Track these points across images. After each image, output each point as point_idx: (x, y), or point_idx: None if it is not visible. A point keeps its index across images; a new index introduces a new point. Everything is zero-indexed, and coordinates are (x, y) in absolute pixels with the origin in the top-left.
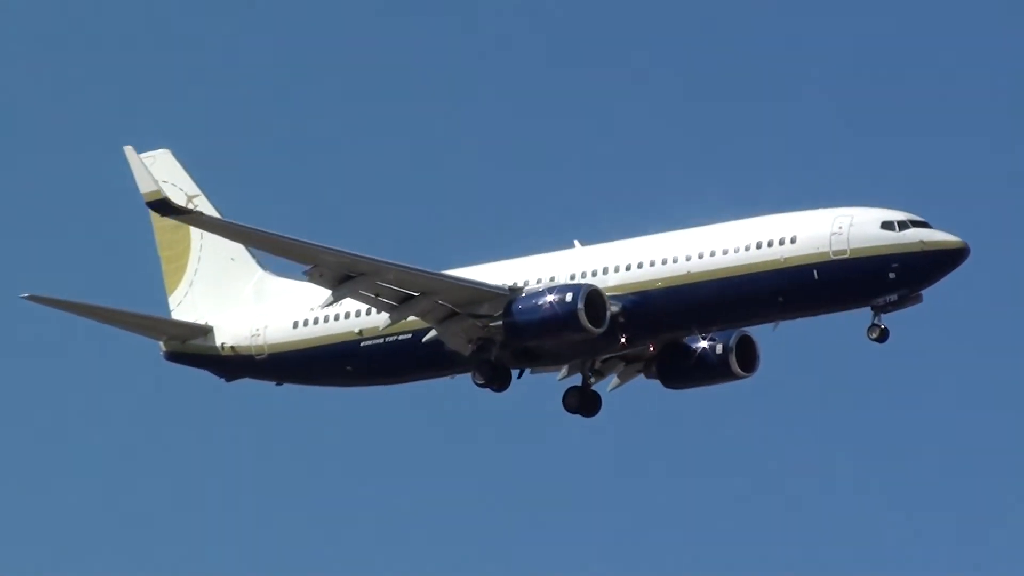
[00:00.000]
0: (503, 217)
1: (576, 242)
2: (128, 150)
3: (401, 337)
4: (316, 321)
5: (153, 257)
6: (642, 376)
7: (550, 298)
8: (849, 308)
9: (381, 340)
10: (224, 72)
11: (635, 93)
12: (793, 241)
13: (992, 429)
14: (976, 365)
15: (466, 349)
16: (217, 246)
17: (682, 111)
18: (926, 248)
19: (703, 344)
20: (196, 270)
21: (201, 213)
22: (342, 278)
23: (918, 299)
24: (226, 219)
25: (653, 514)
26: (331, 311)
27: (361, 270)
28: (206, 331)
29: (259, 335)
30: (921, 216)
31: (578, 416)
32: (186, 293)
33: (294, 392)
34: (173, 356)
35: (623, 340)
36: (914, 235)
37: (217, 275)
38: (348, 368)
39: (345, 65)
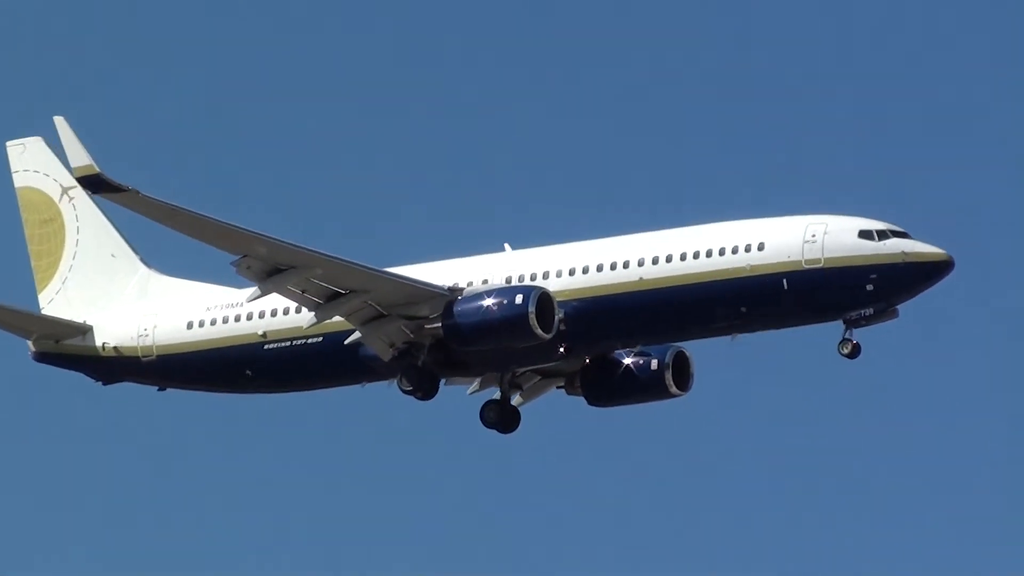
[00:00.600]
0: (429, 217)
1: (507, 245)
2: (59, 121)
3: (311, 340)
4: (213, 322)
5: (21, 251)
6: (563, 392)
7: (497, 300)
8: (819, 321)
9: (287, 343)
10: (107, 60)
11: (583, 90)
12: (761, 248)
13: (965, 455)
14: (952, 385)
15: (387, 354)
16: (96, 240)
17: (636, 109)
18: (908, 260)
19: (635, 359)
20: (71, 266)
21: (138, 192)
22: (271, 271)
23: (894, 314)
24: (165, 200)
25: (577, 535)
26: (231, 312)
27: (299, 263)
28: (84, 330)
29: (148, 335)
30: (900, 226)
31: (494, 432)
32: (59, 290)
33: (179, 397)
34: (43, 356)
35: (562, 350)
36: (895, 245)
37: (95, 272)
38: (248, 373)
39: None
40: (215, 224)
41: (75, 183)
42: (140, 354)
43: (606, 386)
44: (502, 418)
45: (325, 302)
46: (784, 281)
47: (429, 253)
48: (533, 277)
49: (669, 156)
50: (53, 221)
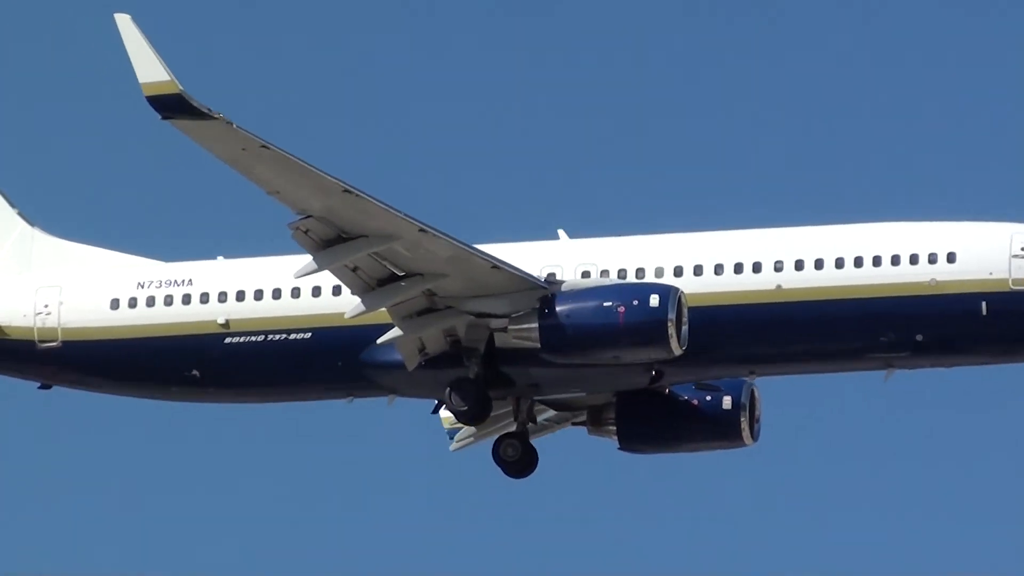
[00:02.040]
0: (452, 190)
1: (561, 232)
2: (122, 20)
3: (294, 336)
4: (151, 302)
5: None
6: (582, 430)
7: (622, 299)
8: (1018, 360)
9: (260, 337)
10: None
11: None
12: (951, 259)
13: None
14: None
15: (414, 361)
16: None
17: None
18: None
19: (698, 394)
20: None
21: (231, 122)
22: (334, 239)
23: None
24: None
25: None
26: (178, 291)
27: (376, 229)
28: None
29: (50, 313)
30: None
31: (503, 473)
32: None
33: (74, 399)
34: None
35: (654, 373)
36: None
37: None
38: (194, 373)
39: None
40: (309, 170)
41: None
42: (37, 337)
43: (654, 426)
44: (522, 457)
45: (377, 286)
46: (983, 304)
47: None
48: (622, 275)
49: (811, 130)
50: None
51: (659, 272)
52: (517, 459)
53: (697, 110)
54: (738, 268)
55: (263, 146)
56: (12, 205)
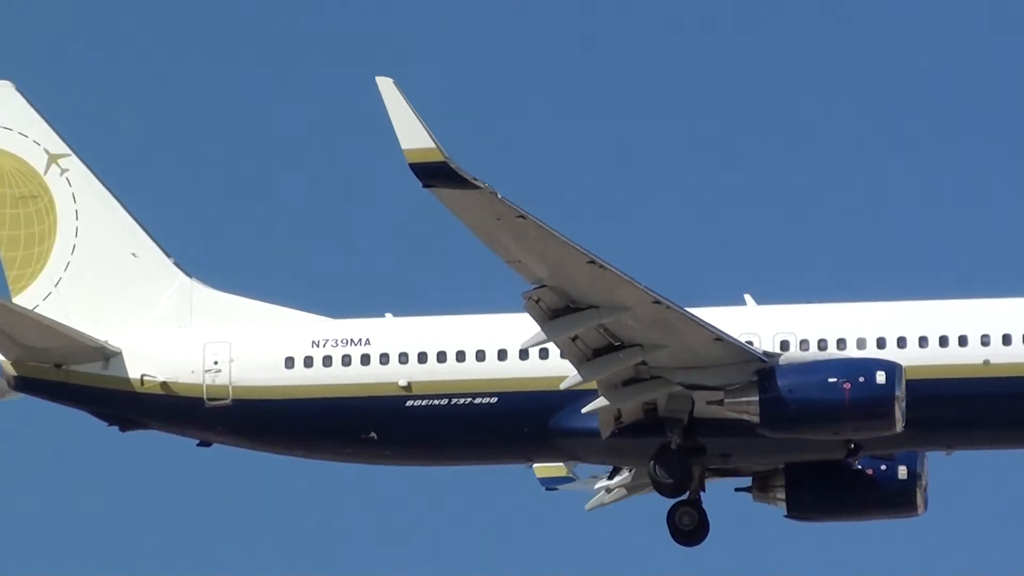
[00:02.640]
0: (640, 251)
1: (748, 297)
2: (384, 83)
3: (481, 400)
4: (327, 361)
5: None
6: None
7: (845, 375)
8: None
9: (444, 400)
10: None
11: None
12: None
13: None
14: None
15: (608, 429)
16: (108, 232)
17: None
18: None
19: (873, 464)
20: (68, 263)
21: (496, 193)
22: (562, 309)
23: None
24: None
25: None
26: (355, 351)
27: (609, 301)
28: (110, 354)
29: (220, 370)
30: None
31: (674, 540)
32: (48, 294)
33: (236, 457)
34: (27, 385)
35: (852, 446)
36: None
37: (107, 275)
38: (371, 435)
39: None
40: (560, 241)
41: (67, 150)
42: (206, 395)
43: (827, 496)
44: (698, 526)
45: (593, 355)
46: None
47: None
48: (823, 346)
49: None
50: (37, 199)
51: (861, 343)
52: (693, 528)
53: (891, 173)
54: (943, 341)
55: (520, 216)
56: (168, 255)
